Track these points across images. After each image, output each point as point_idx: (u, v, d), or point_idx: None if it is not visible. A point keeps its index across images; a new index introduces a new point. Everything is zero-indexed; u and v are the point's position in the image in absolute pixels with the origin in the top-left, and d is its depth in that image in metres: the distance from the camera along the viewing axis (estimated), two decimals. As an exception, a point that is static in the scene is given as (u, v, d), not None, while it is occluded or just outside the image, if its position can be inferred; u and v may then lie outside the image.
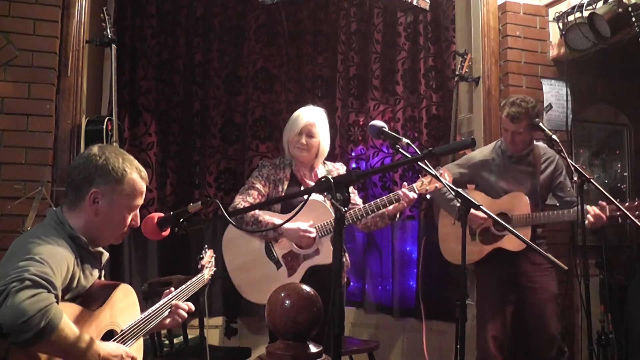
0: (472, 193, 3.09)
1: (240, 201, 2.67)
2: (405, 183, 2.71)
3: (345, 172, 2.86)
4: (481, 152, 3.18)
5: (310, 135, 2.71)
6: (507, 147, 3.05)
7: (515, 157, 3.05)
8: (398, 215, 2.76)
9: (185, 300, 2.01)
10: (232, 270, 2.73)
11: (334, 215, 2.64)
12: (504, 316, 3.00)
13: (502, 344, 2.98)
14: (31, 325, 1.34)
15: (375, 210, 2.65)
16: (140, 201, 1.77)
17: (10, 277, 1.39)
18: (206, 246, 2.38)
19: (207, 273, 2.24)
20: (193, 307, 1.99)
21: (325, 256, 2.65)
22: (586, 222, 2.76)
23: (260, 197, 2.68)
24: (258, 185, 2.69)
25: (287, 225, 2.54)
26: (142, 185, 1.77)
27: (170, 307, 1.92)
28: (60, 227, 1.66)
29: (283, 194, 2.68)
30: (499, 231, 2.98)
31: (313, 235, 2.63)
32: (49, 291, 1.42)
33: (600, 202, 2.78)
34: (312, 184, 2.71)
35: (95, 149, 1.73)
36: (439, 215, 3.33)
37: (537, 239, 2.99)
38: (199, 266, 2.25)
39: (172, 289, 2.00)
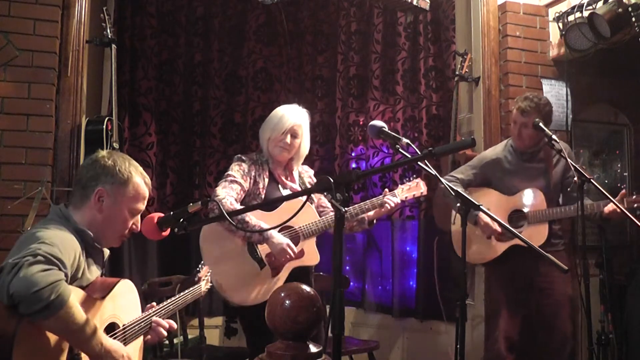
0: (487, 192, 3.07)
1: (226, 195, 2.53)
2: (386, 190, 2.69)
3: (312, 175, 2.85)
4: (493, 151, 3.17)
5: (294, 135, 2.66)
6: (514, 142, 3.04)
7: (526, 154, 3.03)
8: (374, 222, 2.74)
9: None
10: (210, 267, 2.50)
11: (317, 217, 2.68)
12: (517, 316, 2.95)
13: (513, 345, 2.94)
14: (42, 296, 1.40)
15: (356, 215, 2.63)
16: (142, 206, 1.84)
17: (23, 253, 1.46)
18: (202, 262, 2.37)
19: (204, 285, 2.26)
20: (175, 326, 1.94)
21: (309, 257, 2.61)
22: (604, 210, 2.75)
23: (242, 192, 2.59)
24: (240, 181, 2.59)
25: (277, 235, 2.50)
26: (146, 191, 1.84)
27: (150, 322, 1.86)
28: (65, 221, 1.72)
29: (264, 191, 2.61)
30: (515, 227, 2.91)
31: (291, 256, 2.53)
32: (59, 269, 1.49)
33: (622, 192, 2.77)
34: (289, 183, 2.67)
35: (104, 152, 1.83)
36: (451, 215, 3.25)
37: (554, 238, 2.95)
38: (196, 278, 2.26)
39: (154, 304, 1.94)
